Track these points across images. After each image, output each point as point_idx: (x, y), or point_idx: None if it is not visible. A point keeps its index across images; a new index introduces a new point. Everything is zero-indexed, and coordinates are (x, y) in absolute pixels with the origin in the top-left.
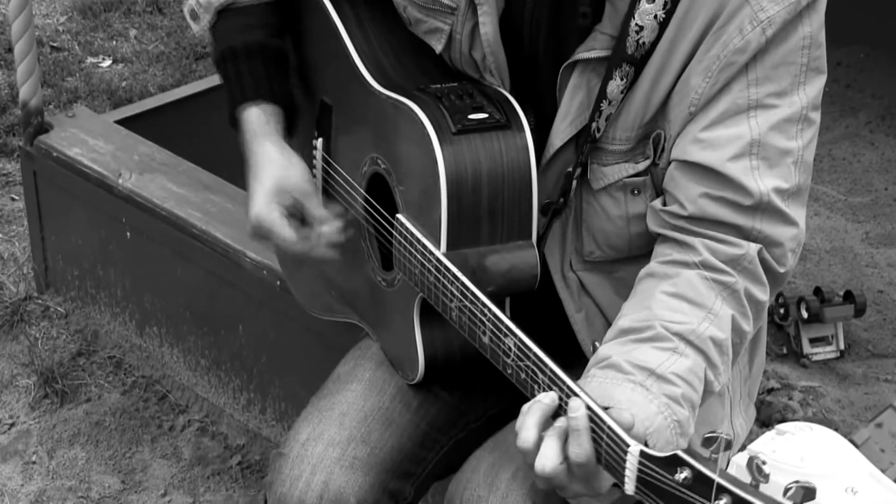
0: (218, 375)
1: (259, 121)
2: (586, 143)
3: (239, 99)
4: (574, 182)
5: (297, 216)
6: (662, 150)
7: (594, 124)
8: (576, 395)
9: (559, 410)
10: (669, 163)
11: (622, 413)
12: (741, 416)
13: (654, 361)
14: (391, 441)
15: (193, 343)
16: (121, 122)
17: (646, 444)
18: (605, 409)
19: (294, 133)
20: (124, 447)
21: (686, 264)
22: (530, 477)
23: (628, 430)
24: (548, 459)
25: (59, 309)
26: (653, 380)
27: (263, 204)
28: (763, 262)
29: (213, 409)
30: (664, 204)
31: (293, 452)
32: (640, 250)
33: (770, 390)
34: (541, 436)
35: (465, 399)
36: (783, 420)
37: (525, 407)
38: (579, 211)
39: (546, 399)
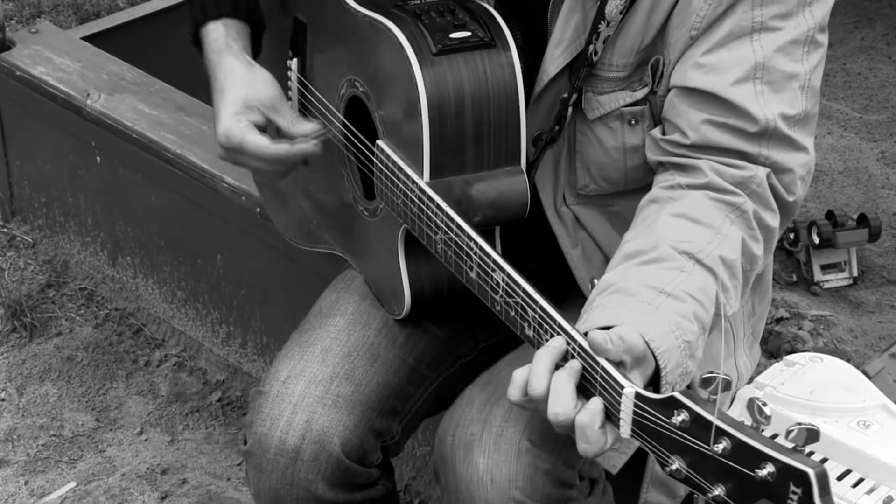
0: (195, 308)
1: (222, 37)
2: (582, 67)
3: (200, 16)
4: (569, 110)
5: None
6: (661, 76)
7: (591, 47)
8: (568, 334)
9: (569, 355)
10: (669, 90)
11: (630, 333)
12: (745, 354)
13: (663, 281)
14: (377, 377)
15: (169, 274)
16: (88, 39)
17: (657, 367)
18: (607, 329)
19: (260, 53)
20: (98, 383)
21: (693, 186)
22: (526, 414)
23: (635, 352)
24: (560, 406)
25: (26, 238)
26: (662, 298)
27: (231, 120)
28: (772, 188)
29: (190, 344)
30: (664, 133)
31: (273, 391)
32: (636, 184)
33: (779, 320)
34: (550, 381)
35: (455, 332)
36: (793, 351)
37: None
38: (573, 142)
39: (555, 343)
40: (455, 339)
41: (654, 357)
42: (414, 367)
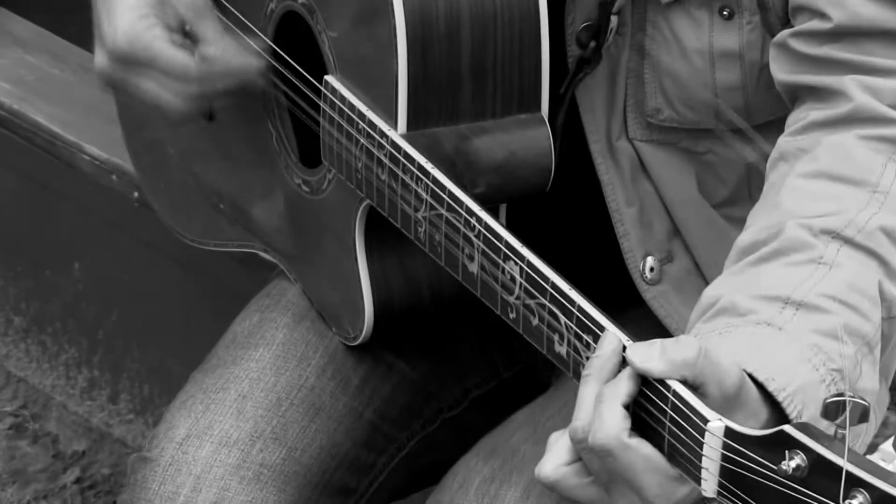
0: (41, 342)
1: None
2: None
3: None
4: (613, 19)
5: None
6: None
7: None
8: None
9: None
10: None
11: (718, 369)
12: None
13: (789, 284)
14: (319, 438)
15: (1, 290)
16: None
17: (786, 419)
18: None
19: None
20: None
21: (831, 123)
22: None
23: (726, 387)
24: (604, 430)
25: None
26: (790, 311)
27: (135, 17)
28: None
29: (34, 396)
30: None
31: (165, 456)
32: (732, 122)
33: None
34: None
35: (436, 371)
36: None
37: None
38: (640, 40)
39: (606, 358)
40: (435, 383)
41: (779, 403)
42: (374, 424)
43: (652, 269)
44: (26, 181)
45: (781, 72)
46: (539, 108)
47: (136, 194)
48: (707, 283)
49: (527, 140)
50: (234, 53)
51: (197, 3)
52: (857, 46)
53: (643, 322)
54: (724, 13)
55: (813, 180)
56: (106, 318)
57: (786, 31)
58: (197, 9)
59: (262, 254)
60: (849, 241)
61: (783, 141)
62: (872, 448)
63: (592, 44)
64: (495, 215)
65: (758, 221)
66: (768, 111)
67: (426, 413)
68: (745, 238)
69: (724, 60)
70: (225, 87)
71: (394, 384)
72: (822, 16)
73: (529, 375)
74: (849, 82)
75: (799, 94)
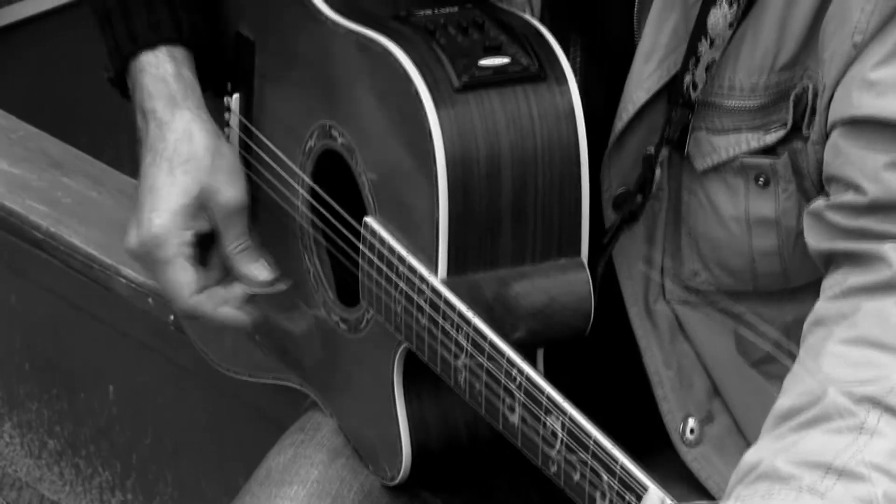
0: (75, 465)
1: (171, 76)
2: (676, 107)
3: (127, 44)
4: (664, 154)
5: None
6: (812, 111)
7: (688, 77)
8: None
9: None
10: (826, 135)
11: None
12: None
13: (831, 450)
14: None
15: (36, 413)
16: None
17: None
18: None
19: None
20: None
21: (870, 289)
22: None
23: None
24: None
25: None
26: (831, 479)
27: (174, 219)
28: None
29: None
30: (829, 198)
31: None
32: (773, 284)
33: None
34: None
35: None
36: None
37: None
38: (676, 205)
39: None
40: None
41: None
42: None
43: (692, 431)
44: (62, 303)
45: (817, 241)
46: (579, 253)
47: (171, 318)
48: (748, 442)
49: (567, 285)
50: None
51: (235, 207)
52: (894, 218)
53: (681, 480)
54: (760, 181)
55: (853, 347)
56: (140, 442)
57: (821, 203)
58: (231, 214)
59: (297, 387)
60: (889, 409)
61: (821, 306)
62: None
63: (638, 198)
64: (533, 361)
65: (796, 387)
66: (806, 275)
67: None
68: (783, 403)
69: (760, 227)
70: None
71: None
72: (857, 188)
73: None
74: (888, 249)
75: (835, 259)
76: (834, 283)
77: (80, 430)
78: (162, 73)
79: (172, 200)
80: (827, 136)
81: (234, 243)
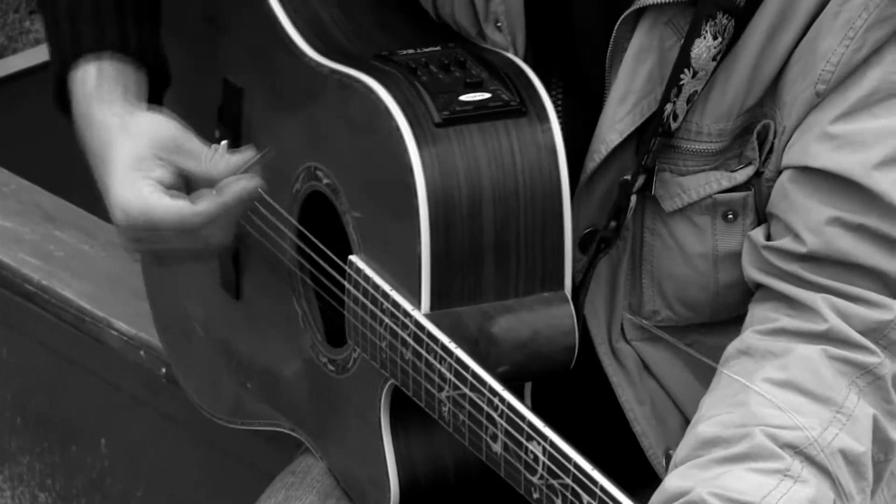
0: None
1: (91, 84)
2: (655, 136)
3: (70, 51)
4: (633, 198)
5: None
6: (771, 150)
7: (669, 108)
8: None
9: None
10: (780, 171)
11: None
12: None
13: (757, 492)
14: None
15: (27, 466)
16: None
17: None
18: None
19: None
20: None
21: (802, 335)
22: None
23: None
24: None
25: None
26: None
27: (124, 186)
28: None
29: None
30: (769, 237)
31: None
32: (729, 313)
33: None
34: None
35: None
36: None
37: None
38: (639, 246)
39: None
40: None
41: None
42: None
43: (669, 458)
44: (54, 356)
45: (753, 270)
46: (562, 286)
47: (164, 370)
48: None
49: (551, 318)
50: (227, 175)
51: (175, 139)
52: (828, 272)
53: None
54: (728, 217)
55: (781, 389)
56: (132, 495)
57: (760, 238)
58: (177, 145)
59: (287, 431)
60: (810, 459)
61: (750, 336)
62: None
63: (612, 224)
64: (520, 395)
65: (720, 414)
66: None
67: None
68: (707, 430)
69: (727, 261)
70: (234, 217)
71: None
72: (797, 236)
73: None
74: (821, 302)
75: (769, 295)
76: (764, 317)
77: (72, 482)
78: (86, 81)
79: (114, 175)
80: (778, 174)
81: (201, 161)
